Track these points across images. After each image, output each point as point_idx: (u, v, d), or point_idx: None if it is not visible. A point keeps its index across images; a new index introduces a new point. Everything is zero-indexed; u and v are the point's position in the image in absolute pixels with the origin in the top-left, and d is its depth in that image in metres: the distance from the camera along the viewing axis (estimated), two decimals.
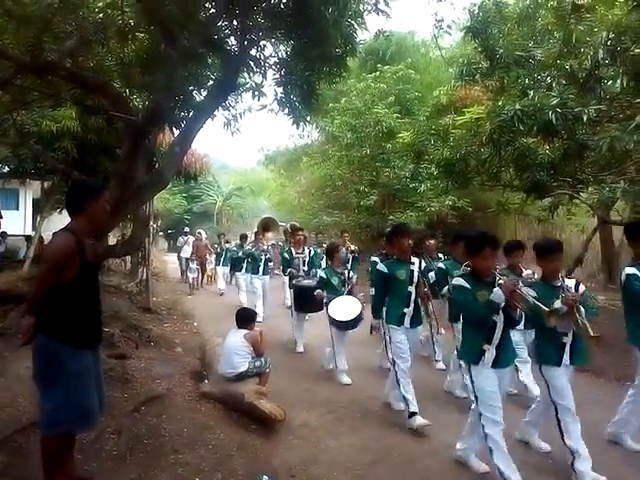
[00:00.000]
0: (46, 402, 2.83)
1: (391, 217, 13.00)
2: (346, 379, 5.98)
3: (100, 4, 5.72)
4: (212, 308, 11.22)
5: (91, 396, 2.91)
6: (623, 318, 4.31)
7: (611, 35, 6.34)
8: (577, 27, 6.87)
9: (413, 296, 4.86)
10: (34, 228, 14.56)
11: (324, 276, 6.63)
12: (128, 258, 13.03)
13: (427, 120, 11.28)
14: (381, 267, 4.95)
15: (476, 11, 8.15)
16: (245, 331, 5.24)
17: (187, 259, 15.81)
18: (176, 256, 17.92)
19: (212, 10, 5.75)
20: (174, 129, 7.47)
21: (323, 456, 4.02)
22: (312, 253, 9.03)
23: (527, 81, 7.20)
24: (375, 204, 14.10)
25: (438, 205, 12.49)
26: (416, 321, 4.91)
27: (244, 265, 10.79)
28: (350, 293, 6.56)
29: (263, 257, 10.15)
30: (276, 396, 4.91)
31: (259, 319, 8.86)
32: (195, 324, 8.95)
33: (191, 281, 14.46)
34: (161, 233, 28.18)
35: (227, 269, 14.06)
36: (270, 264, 10.58)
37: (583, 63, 6.58)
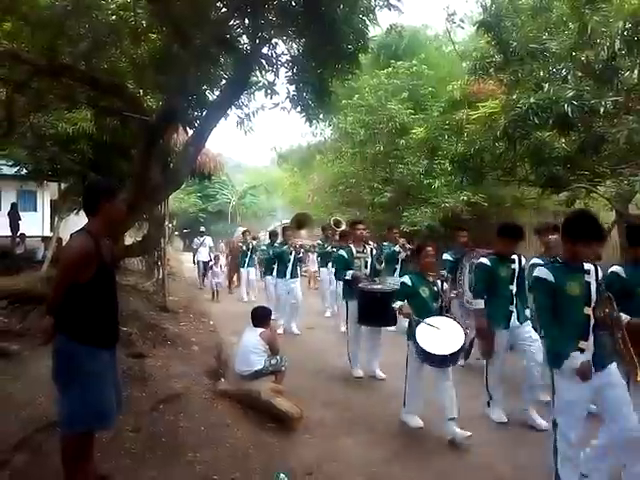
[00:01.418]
0: (65, 401, 2.86)
1: (405, 214, 12.91)
2: (417, 422, 4.63)
3: (112, 6, 5.76)
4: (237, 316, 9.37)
5: (109, 395, 2.93)
6: None
7: (627, 25, 6.22)
8: (592, 17, 6.74)
9: (592, 323, 3.13)
10: (52, 229, 14.75)
11: (408, 283, 4.78)
12: (144, 258, 13.15)
13: (441, 115, 11.20)
14: (544, 274, 3.19)
15: (489, 4, 8.07)
16: (261, 329, 5.26)
17: (205, 263, 14.91)
18: (192, 259, 16.70)
19: (223, 9, 5.76)
20: (188, 129, 7.51)
21: (339, 454, 4.02)
22: (377, 252, 7.22)
23: (542, 74, 7.10)
24: (389, 201, 14.02)
25: (453, 201, 12.37)
26: (601, 363, 3.09)
27: (275, 268, 9.39)
28: (447, 311, 4.90)
29: (292, 257, 9.05)
30: (292, 394, 4.93)
31: (295, 331, 8.84)
32: (211, 323, 8.99)
33: (215, 287, 13.20)
34: (176, 232, 28.38)
35: (253, 271, 12.86)
36: (301, 265, 9.75)
37: (599, 54, 6.47)
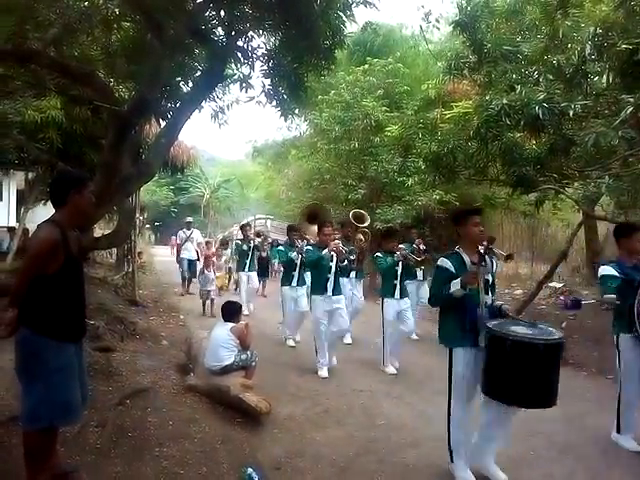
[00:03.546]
0: (28, 396, 2.79)
1: (379, 211, 12.99)
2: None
3: None
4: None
5: (74, 390, 2.88)
6: (606, 312, 4.39)
7: (598, 30, 6.37)
8: (564, 22, 6.88)
9: None
10: (18, 219, 14.37)
11: None
12: (114, 250, 12.94)
13: (415, 114, 11.28)
14: None
15: (464, 4, 8.15)
16: (231, 324, 5.24)
17: (191, 262, 12.22)
18: (171, 254, 15.46)
19: (198, 0, 5.68)
20: (160, 120, 7.39)
21: (308, 449, 4.03)
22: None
23: (514, 76, 7.21)
24: (363, 198, 14.08)
25: (425, 199, 12.51)
26: None
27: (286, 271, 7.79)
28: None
29: (298, 260, 7.52)
30: (262, 389, 4.92)
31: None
32: (181, 317, 8.91)
33: (206, 297, 9.94)
34: (147, 225, 27.96)
35: (255, 277, 10.45)
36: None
37: (570, 58, 6.61)
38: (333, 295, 6.11)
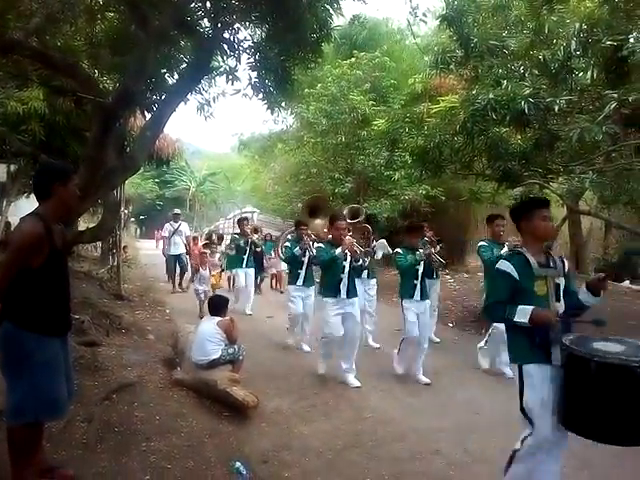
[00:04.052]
0: (13, 391, 2.76)
1: (365, 205, 13.02)
2: None
3: None
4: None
5: (59, 385, 2.85)
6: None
7: (583, 27, 6.43)
8: (550, 18, 6.93)
9: None
10: (0, 213, 14.15)
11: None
12: (99, 244, 12.82)
13: (402, 108, 11.31)
14: None
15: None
16: (218, 318, 5.22)
17: (177, 257, 11.48)
18: (156, 247, 14.74)
19: None
20: (145, 112, 7.32)
21: (295, 442, 4.04)
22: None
23: (501, 71, 7.25)
24: (350, 192, 14.12)
25: (412, 193, 12.57)
26: None
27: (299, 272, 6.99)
28: None
29: (305, 259, 6.86)
30: (249, 383, 4.92)
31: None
32: (167, 311, 8.86)
33: (202, 297, 8.75)
34: (132, 219, 27.73)
35: (252, 274, 9.75)
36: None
37: (555, 54, 6.66)
38: (347, 297, 5.54)
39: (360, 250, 5.67)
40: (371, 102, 13.63)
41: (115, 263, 10.14)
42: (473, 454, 3.88)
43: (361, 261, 5.76)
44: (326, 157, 15.24)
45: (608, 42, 6.06)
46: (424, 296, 5.84)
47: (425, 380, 5.62)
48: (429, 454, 3.87)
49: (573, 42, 6.42)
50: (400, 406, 4.90)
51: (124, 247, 11.91)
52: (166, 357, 5.70)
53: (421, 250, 5.80)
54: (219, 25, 5.76)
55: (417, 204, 12.96)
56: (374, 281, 7.46)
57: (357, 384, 5.39)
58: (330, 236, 5.83)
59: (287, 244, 7.22)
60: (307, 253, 6.77)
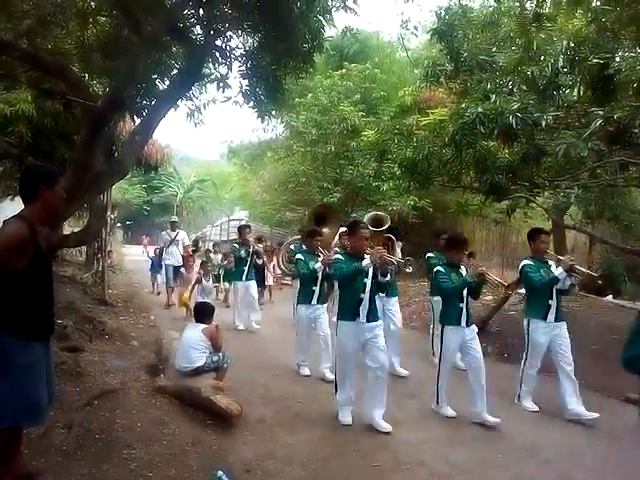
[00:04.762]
0: None
1: (354, 215, 13.05)
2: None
3: None
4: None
5: (40, 390, 2.81)
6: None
7: (570, 44, 6.54)
8: (538, 35, 7.04)
9: None
10: None
11: None
12: (84, 249, 12.69)
13: (391, 120, 11.37)
14: None
15: (442, 13, 8.26)
16: (203, 325, 5.18)
17: (176, 268, 10.47)
18: (142, 253, 13.75)
19: None
20: (135, 117, 7.30)
21: (279, 451, 4.01)
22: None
23: (489, 85, 7.33)
24: (338, 201, 14.15)
25: (400, 204, 12.63)
26: None
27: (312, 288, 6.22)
28: None
29: (320, 274, 6.03)
30: (233, 391, 4.88)
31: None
32: (152, 317, 8.78)
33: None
34: (119, 224, 27.49)
35: (254, 287, 8.81)
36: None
37: (543, 70, 6.76)
38: (368, 322, 4.61)
39: (396, 261, 4.91)
40: (361, 113, 13.72)
41: (100, 268, 10.04)
42: (456, 465, 3.89)
43: (389, 276, 4.93)
44: (315, 166, 15.28)
45: (595, 60, 6.17)
46: (470, 321, 5.02)
47: (451, 413, 4.96)
48: (414, 465, 3.87)
49: (561, 59, 6.53)
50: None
51: (109, 252, 11.79)
52: (149, 364, 5.64)
53: (464, 267, 5.06)
54: (211, 32, 5.78)
55: (404, 215, 13.02)
56: (395, 299, 6.55)
57: (387, 428, 4.47)
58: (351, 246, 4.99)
59: (300, 257, 6.20)
60: (324, 268, 5.72)
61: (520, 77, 7.09)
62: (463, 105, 7.05)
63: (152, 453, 3.64)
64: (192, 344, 4.98)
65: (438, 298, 5.52)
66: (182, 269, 10.42)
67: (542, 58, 6.94)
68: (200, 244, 13.41)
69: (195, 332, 5.09)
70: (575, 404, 4.88)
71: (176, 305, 9.92)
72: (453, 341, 4.93)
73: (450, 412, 4.95)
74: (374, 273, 4.67)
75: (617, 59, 6.26)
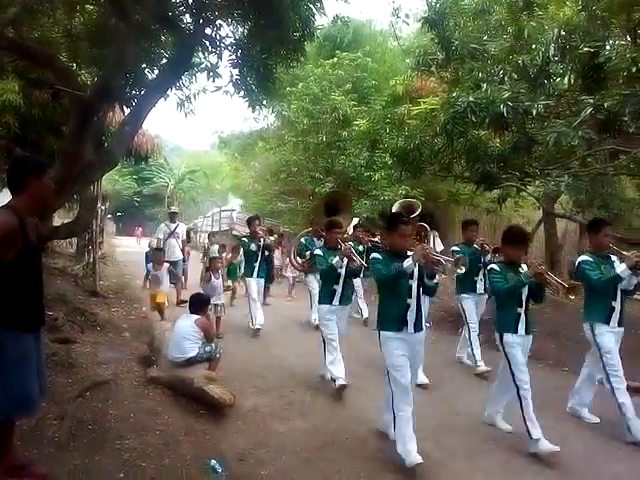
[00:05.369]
0: None
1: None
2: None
3: None
4: None
5: (31, 382, 2.80)
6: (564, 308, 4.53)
7: (561, 33, 6.55)
8: (529, 23, 7.04)
9: None
10: None
11: None
12: (74, 240, 12.60)
13: (383, 109, 11.37)
14: None
15: (434, 2, 8.23)
16: (196, 316, 5.18)
17: (176, 262, 9.57)
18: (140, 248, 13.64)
19: None
20: (124, 107, 7.23)
21: (272, 440, 4.03)
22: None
23: (480, 74, 7.34)
24: (330, 191, 14.12)
25: (391, 194, 12.63)
26: None
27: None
28: None
29: (342, 271, 5.33)
30: (226, 381, 4.90)
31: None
32: (144, 309, 8.75)
33: (218, 312, 7.37)
34: (109, 215, 27.30)
35: (262, 284, 8.12)
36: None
37: (534, 59, 6.77)
38: (415, 332, 3.93)
39: (444, 260, 3.93)
40: (352, 102, 13.67)
41: (91, 259, 9.98)
42: (451, 452, 3.94)
43: (437, 278, 4.05)
44: (307, 156, 15.23)
45: (585, 48, 6.19)
46: (529, 329, 4.29)
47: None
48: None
49: (551, 48, 6.54)
50: (376, 405, 4.92)
51: (99, 243, 11.70)
52: (142, 355, 5.63)
53: (524, 266, 4.27)
54: (201, 21, 5.72)
55: None
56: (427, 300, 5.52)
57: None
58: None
59: (318, 252, 5.55)
60: (345, 261, 5.23)
61: (511, 66, 7.10)
62: (454, 94, 7.06)
63: (145, 443, 3.65)
64: (184, 334, 4.98)
65: (463, 296, 6.12)
66: (183, 264, 10.02)
67: (533, 47, 6.95)
68: (192, 235, 13.11)
69: (188, 323, 5.09)
70: None
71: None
72: (517, 351, 4.16)
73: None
74: (419, 274, 3.93)
75: (607, 47, 6.28)
